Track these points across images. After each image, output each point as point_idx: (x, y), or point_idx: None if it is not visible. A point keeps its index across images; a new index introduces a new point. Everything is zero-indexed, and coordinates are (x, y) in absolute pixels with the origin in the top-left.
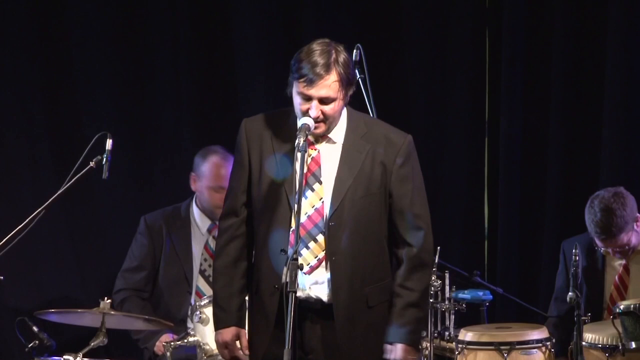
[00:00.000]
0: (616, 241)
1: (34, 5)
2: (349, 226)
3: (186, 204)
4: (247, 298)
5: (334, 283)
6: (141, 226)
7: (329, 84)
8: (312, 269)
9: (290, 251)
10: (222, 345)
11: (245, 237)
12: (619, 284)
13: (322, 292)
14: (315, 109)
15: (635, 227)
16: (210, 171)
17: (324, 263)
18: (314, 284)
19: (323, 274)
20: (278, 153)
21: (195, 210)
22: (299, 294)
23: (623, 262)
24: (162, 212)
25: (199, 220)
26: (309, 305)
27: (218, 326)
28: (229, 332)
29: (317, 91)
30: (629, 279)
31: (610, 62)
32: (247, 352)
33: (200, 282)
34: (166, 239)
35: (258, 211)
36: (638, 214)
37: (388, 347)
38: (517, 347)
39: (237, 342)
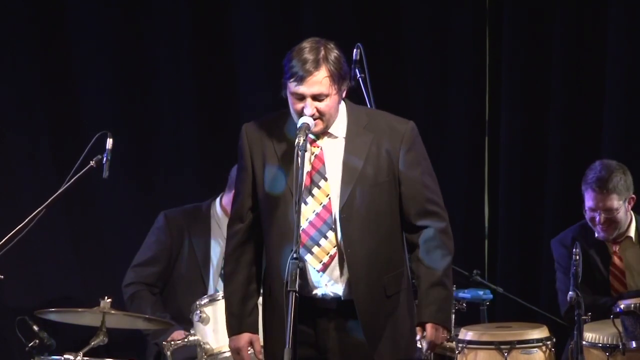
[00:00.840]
0: (606, 200)
1: (35, 4)
2: (361, 217)
3: (207, 205)
4: (259, 301)
5: (352, 276)
6: (160, 222)
7: (320, 80)
8: (325, 266)
9: (302, 251)
10: (234, 351)
11: (254, 241)
12: (616, 272)
13: (338, 288)
14: (309, 106)
15: (627, 205)
16: None
17: (336, 259)
18: (329, 281)
19: (337, 270)
20: (280, 155)
21: (220, 213)
22: (314, 292)
23: (615, 249)
24: (183, 211)
25: (223, 224)
26: (324, 305)
27: (231, 332)
28: (241, 339)
29: (308, 88)
30: (624, 265)
31: (611, 61)
32: (260, 356)
33: (220, 286)
34: (186, 239)
35: (266, 214)
36: (633, 195)
37: (418, 329)
38: (518, 346)
39: (250, 349)
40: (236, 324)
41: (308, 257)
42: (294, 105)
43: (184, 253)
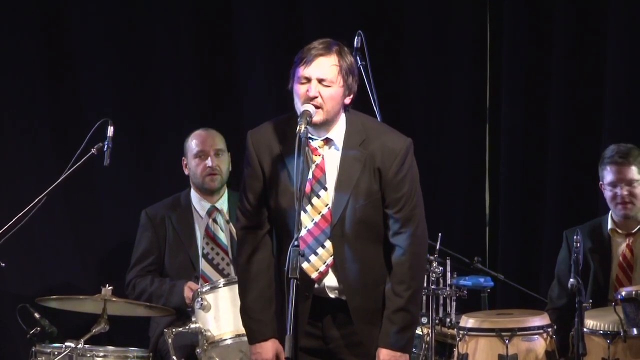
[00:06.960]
0: (626, 172)
1: None
2: (353, 232)
3: (185, 192)
4: None
5: (347, 289)
6: (143, 219)
7: (328, 65)
8: (322, 274)
9: (306, 252)
10: None
11: (268, 247)
12: (624, 264)
13: (338, 293)
14: (313, 88)
15: None
16: (192, 143)
17: (332, 269)
18: (328, 287)
19: (333, 279)
20: (287, 160)
21: (194, 196)
22: (321, 295)
23: (627, 242)
24: (162, 204)
25: (198, 204)
26: (329, 303)
27: (256, 339)
28: (269, 349)
29: (315, 69)
30: (633, 259)
31: (612, 48)
32: None
33: (204, 266)
34: (169, 228)
35: (277, 219)
36: None
37: (378, 350)
38: (519, 333)
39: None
40: (261, 330)
41: (305, 265)
42: (299, 90)
43: (170, 242)
